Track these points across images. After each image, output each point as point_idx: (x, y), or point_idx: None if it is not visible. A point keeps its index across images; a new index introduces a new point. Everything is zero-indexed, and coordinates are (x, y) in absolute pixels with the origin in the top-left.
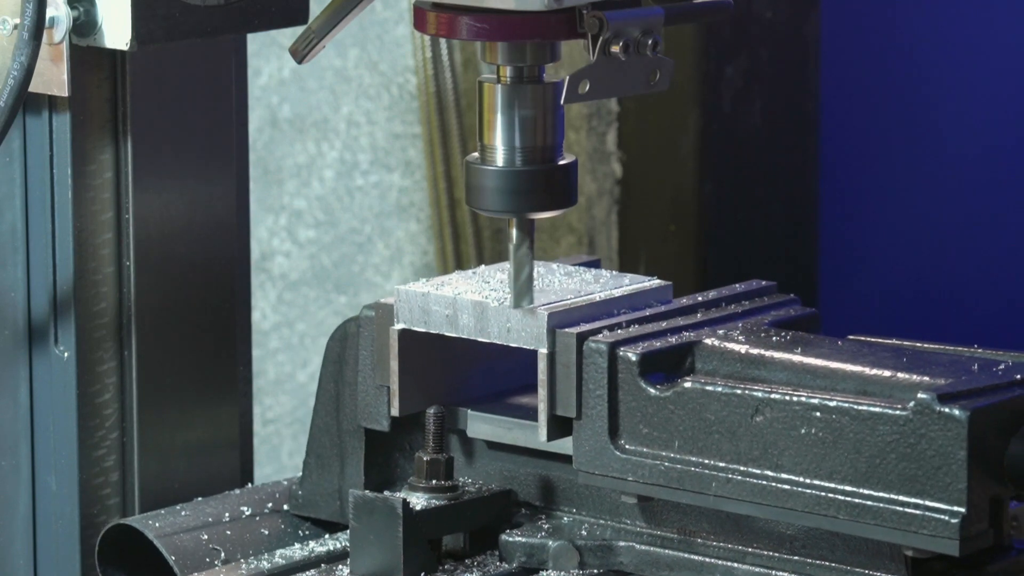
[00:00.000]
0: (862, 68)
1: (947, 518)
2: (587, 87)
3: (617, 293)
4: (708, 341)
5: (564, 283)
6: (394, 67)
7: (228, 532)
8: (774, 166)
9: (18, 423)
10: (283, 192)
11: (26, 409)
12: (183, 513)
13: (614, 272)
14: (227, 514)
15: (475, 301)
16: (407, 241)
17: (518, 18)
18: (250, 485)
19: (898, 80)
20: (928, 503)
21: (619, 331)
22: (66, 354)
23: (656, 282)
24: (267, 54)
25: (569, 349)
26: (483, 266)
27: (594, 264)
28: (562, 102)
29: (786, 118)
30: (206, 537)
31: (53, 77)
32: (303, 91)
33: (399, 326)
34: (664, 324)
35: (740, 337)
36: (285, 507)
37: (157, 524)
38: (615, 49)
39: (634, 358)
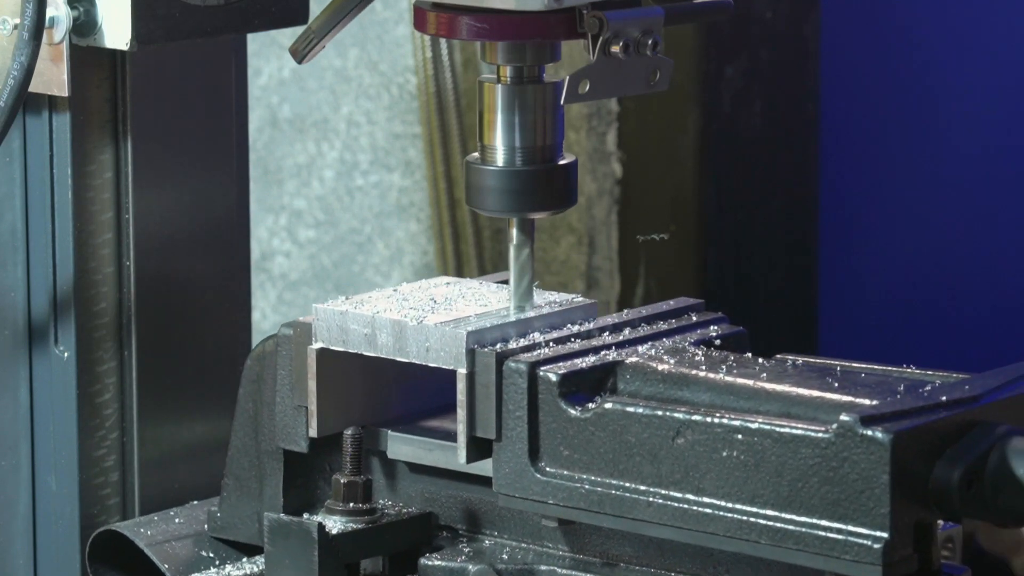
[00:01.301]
0: (862, 68)
1: (870, 543)
2: (587, 87)
3: (540, 311)
4: (631, 360)
5: (485, 300)
6: (394, 67)
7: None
8: (774, 166)
9: (18, 423)
10: (283, 192)
11: (26, 409)
12: (176, 520)
13: (538, 289)
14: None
15: (394, 320)
16: (407, 241)
17: (518, 18)
18: None
19: (898, 80)
20: (851, 528)
21: (540, 351)
22: (66, 354)
23: (580, 300)
24: (267, 54)
25: (488, 369)
26: (404, 284)
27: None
28: (562, 102)
29: (786, 118)
30: (199, 544)
31: (53, 77)
32: (303, 91)
33: (317, 345)
34: (587, 343)
35: (664, 356)
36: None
37: (149, 532)
38: (615, 49)
39: (554, 379)
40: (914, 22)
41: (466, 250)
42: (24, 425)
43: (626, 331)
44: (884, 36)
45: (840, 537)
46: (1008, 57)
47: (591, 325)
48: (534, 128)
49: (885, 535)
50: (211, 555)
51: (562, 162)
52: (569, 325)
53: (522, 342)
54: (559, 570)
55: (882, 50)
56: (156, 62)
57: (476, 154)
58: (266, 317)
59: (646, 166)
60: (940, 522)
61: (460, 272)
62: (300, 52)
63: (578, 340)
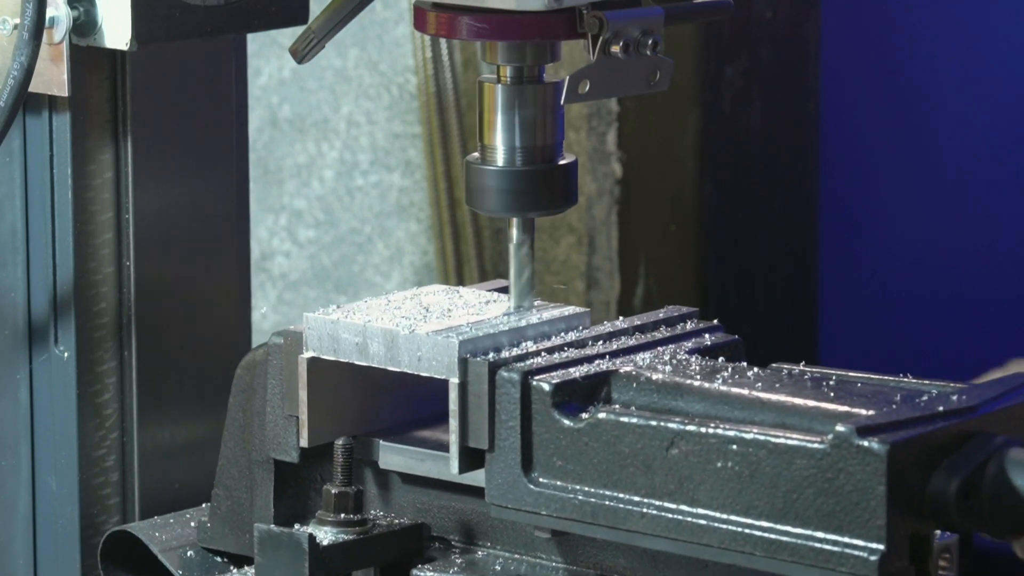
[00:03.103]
0: (862, 68)
1: (866, 555)
2: (587, 87)
3: (532, 320)
4: (625, 370)
5: (478, 309)
6: (394, 67)
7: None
8: (774, 166)
9: (18, 423)
10: (283, 192)
11: (26, 409)
12: (192, 524)
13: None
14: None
15: (385, 329)
16: (407, 241)
17: (518, 18)
18: None
19: (898, 80)
20: (847, 539)
21: (533, 360)
22: (66, 354)
23: (574, 309)
24: (267, 54)
25: (481, 379)
26: (395, 292)
27: (508, 290)
28: (562, 102)
29: (786, 118)
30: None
31: (53, 77)
32: (303, 91)
33: (308, 354)
34: (580, 352)
35: (658, 366)
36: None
37: (163, 536)
38: (615, 49)
39: (548, 388)
40: (914, 22)
41: (466, 250)
42: (24, 425)
43: (620, 340)
44: (884, 36)
45: (836, 549)
46: (1007, 57)
47: (585, 334)
48: (534, 128)
49: (881, 547)
50: (218, 559)
51: (562, 162)
52: (562, 334)
53: (515, 351)
54: None
55: (882, 50)
56: (156, 62)
57: (476, 154)
58: (266, 317)
59: (646, 166)
60: (937, 533)
61: (460, 272)
62: (300, 52)
63: (572, 349)
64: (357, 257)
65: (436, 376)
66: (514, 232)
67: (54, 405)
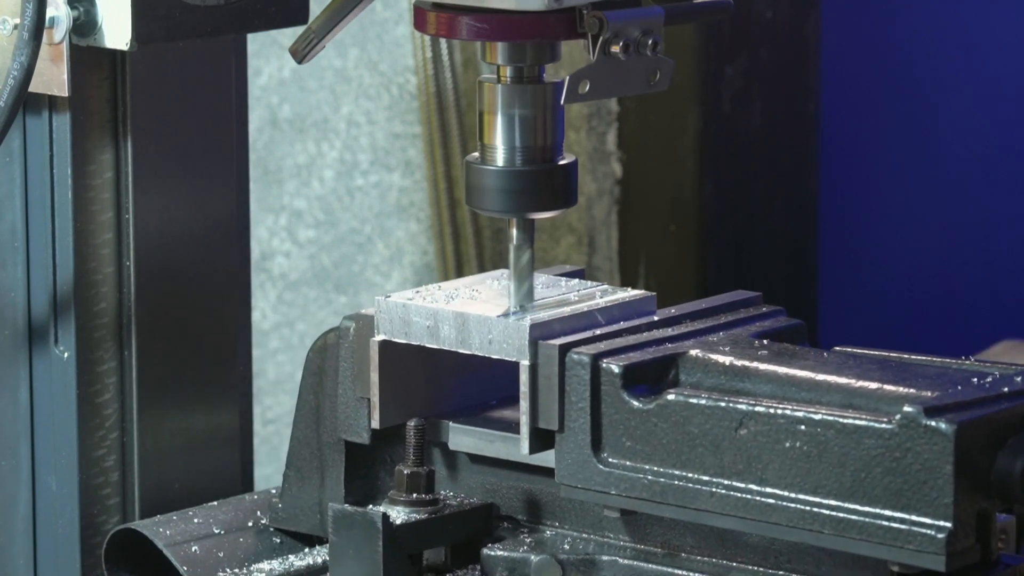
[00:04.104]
0: (862, 68)
1: (933, 533)
2: (587, 87)
3: (600, 304)
4: (692, 353)
5: (546, 294)
6: (394, 67)
7: (242, 540)
8: (774, 166)
9: (18, 423)
10: (283, 192)
11: (26, 409)
12: (195, 520)
13: (597, 283)
14: (240, 521)
15: (456, 312)
16: (407, 241)
17: (518, 18)
18: (273, 489)
19: (898, 80)
20: (914, 518)
21: (602, 343)
22: (66, 354)
23: (640, 293)
24: (267, 54)
25: (551, 361)
26: (467, 277)
27: (577, 274)
28: (562, 102)
29: (786, 118)
30: (217, 546)
31: (53, 77)
32: (303, 91)
33: (379, 337)
34: (648, 335)
35: (725, 349)
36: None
37: (168, 532)
38: (615, 49)
39: (617, 370)
40: (914, 22)
41: (466, 250)
42: (24, 425)
43: (686, 324)
44: (884, 36)
45: (903, 527)
46: (1008, 57)
47: (651, 318)
48: (534, 128)
49: (948, 525)
50: (221, 555)
51: (562, 162)
52: (630, 318)
53: (584, 334)
54: (620, 560)
55: (882, 50)
56: (156, 62)
57: (476, 154)
58: (266, 317)
59: (646, 166)
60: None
61: (460, 272)
62: (300, 52)
63: (639, 332)
64: (357, 257)
65: (507, 359)
66: (514, 232)
67: (54, 405)
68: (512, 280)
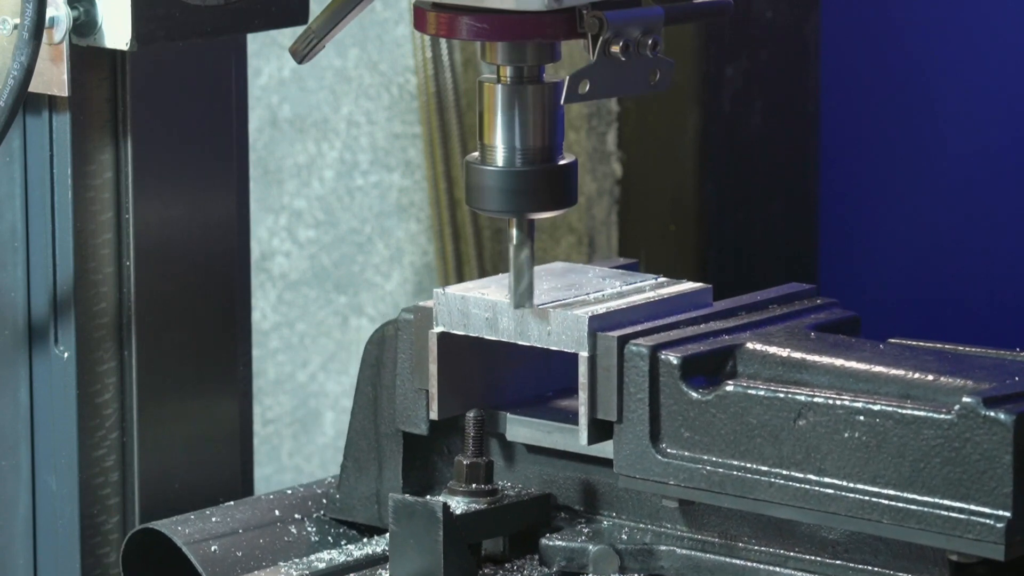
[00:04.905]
0: (862, 68)
1: (992, 522)
2: (587, 87)
3: (657, 296)
4: (750, 345)
5: (603, 286)
6: (394, 67)
7: (261, 540)
8: (774, 166)
9: (18, 423)
10: (283, 192)
11: (26, 409)
12: (213, 519)
13: (653, 275)
14: (258, 520)
15: None
16: (407, 241)
17: (518, 18)
18: (289, 490)
19: (898, 80)
20: (973, 507)
21: (660, 334)
22: (66, 354)
23: (697, 285)
24: (267, 54)
25: (610, 352)
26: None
27: (632, 267)
28: (562, 102)
29: (786, 118)
30: (236, 544)
31: (53, 77)
32: (303, 91)
33: (438, 329)
34: (705, 327)
35: (782, 340)
36: (315, 514)
37: (186, 531)
38: (615, 49)
39: (676, 361)
40: (914, 22)
41: (466, 250)
42: (24, 425)
43: (743, 316)
44: (884, 36)
45: (962, 516)
46: (1008, 57)
47: (708, 310)
48: (534, 128)
49: (1008, 514)
50: (240, 554)
51: (562, 162)
52: (687, 310)
53: (642, 326)
54: (678, 550)
55: (882, 50)
56: (156, 62)
57: (476, 154)
58: (266, 317)
59: (646, 166)
60: None
61: (460, 272)
62: (300, 52)
63: (697, 324)
64: (357, 257)
65: (566, 350)
66: (514, 232)
67: (54, 405)
68: (511, 281)
